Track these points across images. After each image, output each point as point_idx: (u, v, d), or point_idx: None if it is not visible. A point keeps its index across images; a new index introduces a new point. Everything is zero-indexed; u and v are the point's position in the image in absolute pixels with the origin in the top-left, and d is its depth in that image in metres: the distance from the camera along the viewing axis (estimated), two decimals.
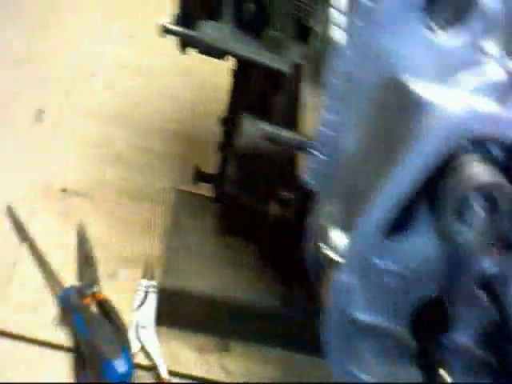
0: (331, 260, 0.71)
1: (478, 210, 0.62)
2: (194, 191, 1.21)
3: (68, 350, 0.99)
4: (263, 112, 1.07)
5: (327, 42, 0.74)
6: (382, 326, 0.77)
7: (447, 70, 0.68)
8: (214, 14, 1.05)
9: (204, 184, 1.20)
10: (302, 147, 0.78)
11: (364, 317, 0.77)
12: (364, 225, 0.68)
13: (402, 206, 0.69)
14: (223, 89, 1.14)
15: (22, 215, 1.12)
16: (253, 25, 1.01)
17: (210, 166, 1.21)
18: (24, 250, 1.08)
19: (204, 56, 1.01)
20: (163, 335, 1.04)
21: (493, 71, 0.66)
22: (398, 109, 0.67)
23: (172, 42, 1.01)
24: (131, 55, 1.52)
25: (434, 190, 0.64)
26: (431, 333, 0.75)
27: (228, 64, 1.09)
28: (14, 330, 0.98)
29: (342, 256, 0.70)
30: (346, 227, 0.73)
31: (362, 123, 0.72)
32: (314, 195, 0.77)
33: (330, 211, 0.77)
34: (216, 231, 1.16)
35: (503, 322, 0.66)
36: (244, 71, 1.11)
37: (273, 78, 1.03)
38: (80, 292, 1.02)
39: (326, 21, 0.77)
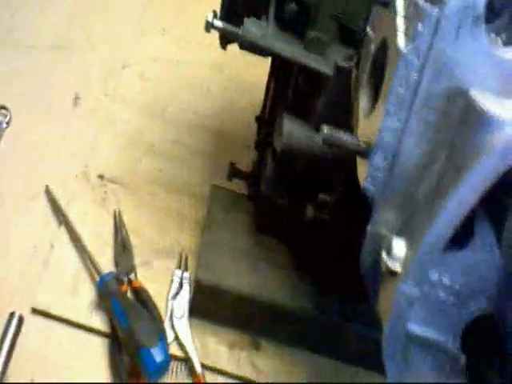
0: (391, 269, 0.72)
1: None
2: (228, 188, 1.21)
3: (104, 335, 0.99)
4: (302, 113, 1.08)
5: (392, 48, 0.75)
6: (435, 339, 0.78)
7: (509, 85, 0.69)
8: (256, 12, 1.05)
9: (237, 181, 1.20)
10: (361, 152, 0.79)
11: (418, 329, 0.78)
12: (427, 238, 0.68)
13: (464, 221, 0.70)
14: (256, 84, 1.15)
15: (60, 198, 1.12)
16: (295, 25, 1.02)
17: (242, 163, 1.21)
18: (62, 232, 1.08)
19: (237, 51, 1.00)
20: (196, 328, 1.04)
21: None
22: (463, 121, 0.68)
23: (204, 36, 1.00)
24: (164, 48, 1.52)
25: (498, 205, 0.65)
26: (483, 350, 0.76)
27: (262, 60, 1.09)
28: (52, 311, 0.99)
29: (402, 266, 0.71)
30: (406, 238, 0.74)
31: (425, 132, 0.73)
32: (372, 202, 0.78)
33: (388, 219, 0.77)
34: (249, 229, 1.16)
35: None
36: (284, 71, 1.12)
37: (314, 79, 1.03)
38: (117, 278, 1.02)
39: (387, 26, 0.78)
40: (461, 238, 0.74)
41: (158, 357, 0.93)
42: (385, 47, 0.78)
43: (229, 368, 1.03)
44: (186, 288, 1.08)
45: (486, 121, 0.64)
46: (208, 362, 1.02)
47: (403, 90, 0.72)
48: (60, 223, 1.09)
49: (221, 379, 1.02)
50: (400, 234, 0.76)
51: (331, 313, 1.07)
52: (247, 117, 1.25)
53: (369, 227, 0.78)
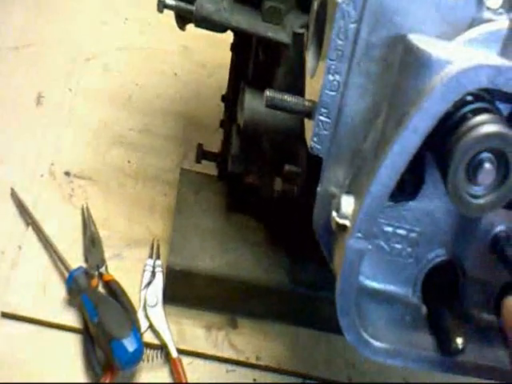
0: (341, 226, 0.71)
1: (488, 167, 0.61)
2: (198, 171, 1.21)
3: (77, 331, 0.99)
4: (264, 86, 1.06)
5: (329, 1, 0.74)
6: (393, 292, 0.77)
7: (452, 26, 0.68)
8: None
9: (208, 163, 1.20)
10: (306, 112, 0.78)
11: (374, 283, 0.77)
12: (371, 188, 0.67)
13: (412, 169, 0.69)
14: (224, 65, 1.13)
15: (27, 199, 1.12)
16: None
17: (213, 144, 1.20)
18: (30, 233, 1.08)
19: (204, 33, 0.99)
20: (171, 314, 1.04)
21: (495, 25, 0.66)
22: (404, 68, 0.67)
23: (169, 20, 1.00)
24: (127, 37, 1.51)
25: (442, 150, 0.64)
26: (443, 298, 0.76)
27: (230, 40, 1.08)
28: (23, 313, 0.99)
29: (351, 221, 0.70)
30: (354, 193, 0.73)
31: (367, 84, 0.72)
32: (322, 162, 0.77)
33: (338, 177, 0.77)
34: (221, 209, 1.16)
35: None
36: (244, 45, 1.10)
37: (273, 49, 1.02)
38: (87, 273, 1.02)
39: None
40: (412, 187, 0.74)
41: (131, 346, 0.93)
42: (326, 2, 0.77)
43: (207, 350, 1.03)
44: (159, 276, 1.07)
45: (424, 62, 0.63)
46: (185, 347, 1.02)
47: (342, 42, 0.71)
48: (27, 225, 1.09)
49: (198, 361, 1.01)
50: (349, 191, 0.75)
51: (305, 284, 1.06)
52: (216, 98, 1.24)
53: (319, 187, 0.78)
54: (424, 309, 0.76)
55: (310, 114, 0.76)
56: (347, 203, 0.72)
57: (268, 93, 0.77)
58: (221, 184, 1.19)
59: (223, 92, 1.20)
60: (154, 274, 1.07)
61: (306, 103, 0.77)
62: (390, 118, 0.69)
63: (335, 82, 0.73)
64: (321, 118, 0.74)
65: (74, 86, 1.36)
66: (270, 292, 1.07)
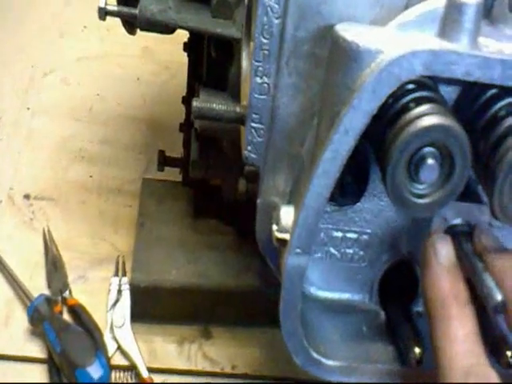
0: (281, 241, 0.68)
1: (431, 163, 0.57)
2: (163, 178, 1.17)
3: (43, 361, 0.96)
4: (219, 85, 1.03)
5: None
6: (348, 300, 0.74)
7: (386, 9, 0.63)
8: None
9: (173, 169, 1.16)
10: (240, 119, 0.74)
11: (327, 293, 0.74)
12: (305, 200, 0.63)
13: (353, 169, 0.65)
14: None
15: None
16: None
17: (178, 149, 1.17)
18: None
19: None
20: (140, 332, 1.01)
21: (431, 4, 0.61)
22: (332, 63, 0.62)
23: None
24: (86, 47, 1.48)
25: (382, 146, 0.59)
26: (399, 301, 0.72)
27: None
28: None
29: (290, 235, 0.66)
30: (294, 202, 0.69)
31: (299, 83, 0.67)
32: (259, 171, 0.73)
33: (278, 186, 0.73)
34: (187, 216, 1.12)
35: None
36: (197, 43, 1.07)
37: (226, 46, 0.98)
38: (49, 300, 0.99)
39: None
40: (356, 188, 0.70)
41: (96, 374, 0.91)
42: None
43: (180, 365, 0.99)
44: (126, 294, 1.04)
45: (352, 55, 0.58)
46: (157, 365, 0.99)
47: (267, 40, 0.66)
48: None
49: (172, 378, 0.98)
50: (290, 200, 0.72)
51: (277, 284, 1.03)
52: (180, 100, 1.20)
53: (258, 200, 0.74)
54: (382, 315, 0.72)
55: (240, 119, 0.72)
56: (287, 215, 0.67)
57: (194, 103, 0.73)
58: (186, 190, 1.15)
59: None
60: (120, 292, 1.04)
61: (238, 109, 0.73)
62: (323, 119, 0.65)
63: (265, 85, 0.68)
64: (253, 124, 0.70)
65: (32, 104, 1.33)
66: (241, 297, 1.04)
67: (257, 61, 0.66)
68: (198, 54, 1.06)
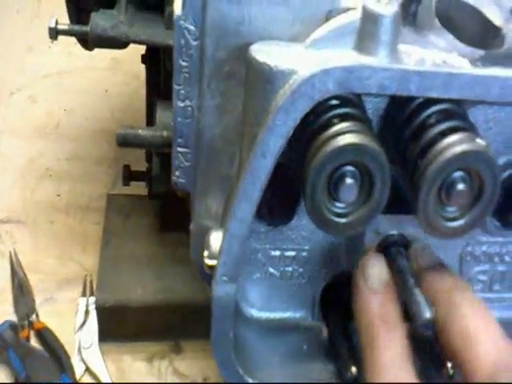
0: (211, 268, 0.66)
1: (350, 182, 0.56)
2: (130, 193, 1.17)
3: None
4: None
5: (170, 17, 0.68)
6: (290, 318, 0.73)
7: (305, 24, 0.61)
8: (110, 3, 0.99)
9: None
10: (167, 144, 0.73)
11: (268, 314, 0.72)
12: (229, 227, 0.61)
13: (280, 189, 0.64)
14: None
15: None
16: (155, 4, 0.96)
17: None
18: None
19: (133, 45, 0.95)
20: (109, 351, 1.01)
21: (347, 16, 0.59)
22: (249, 85, 0.61)
23: None
24: (53, 62, 1.47)
25: (301, 163, 0.58)
26: (340, 317, 0.71)
27: None
28: None
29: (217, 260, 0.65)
30: (223, 225, 0.68)
31: (223, 105, 0.65)
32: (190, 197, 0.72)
33: (210, 209, 0.71)
34: (153, 231, 1.12)
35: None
36: (153, 56, 1.06)
37: None
38: (14, 326, 0.99)
39: None
40: (285, 208, 0.68)
41: None
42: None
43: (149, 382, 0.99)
44: (93, 314, 1.04)
45: (266, 77, 0.56)
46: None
47: (187, 63, 0.65)
48: None
49: None
50: (222, 223, 0.70)
51: None
52: None
53: (191, 225, 0.73)
54: (325, 331, 0.71)
55: (167, 145, 0.72)
56: (216, 240, 0.66)
57: (119, 130, 0.72)
58: (153, 203, 1.15)
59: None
60: (87, 313, 1.04)
61: (165, 134, 0.72)
62: (244, 141, 0.64)
63: (188, 108, 0.67)
64: (179, 149, 0.68)
65: None
66: (209, 310, 1.03)
67: (178, 84, 0.65)
68: (156, 66, 1.06)
